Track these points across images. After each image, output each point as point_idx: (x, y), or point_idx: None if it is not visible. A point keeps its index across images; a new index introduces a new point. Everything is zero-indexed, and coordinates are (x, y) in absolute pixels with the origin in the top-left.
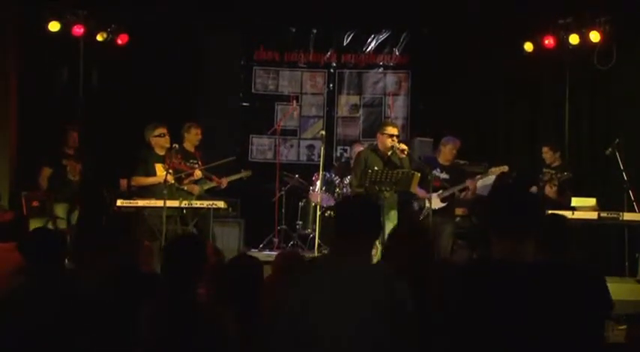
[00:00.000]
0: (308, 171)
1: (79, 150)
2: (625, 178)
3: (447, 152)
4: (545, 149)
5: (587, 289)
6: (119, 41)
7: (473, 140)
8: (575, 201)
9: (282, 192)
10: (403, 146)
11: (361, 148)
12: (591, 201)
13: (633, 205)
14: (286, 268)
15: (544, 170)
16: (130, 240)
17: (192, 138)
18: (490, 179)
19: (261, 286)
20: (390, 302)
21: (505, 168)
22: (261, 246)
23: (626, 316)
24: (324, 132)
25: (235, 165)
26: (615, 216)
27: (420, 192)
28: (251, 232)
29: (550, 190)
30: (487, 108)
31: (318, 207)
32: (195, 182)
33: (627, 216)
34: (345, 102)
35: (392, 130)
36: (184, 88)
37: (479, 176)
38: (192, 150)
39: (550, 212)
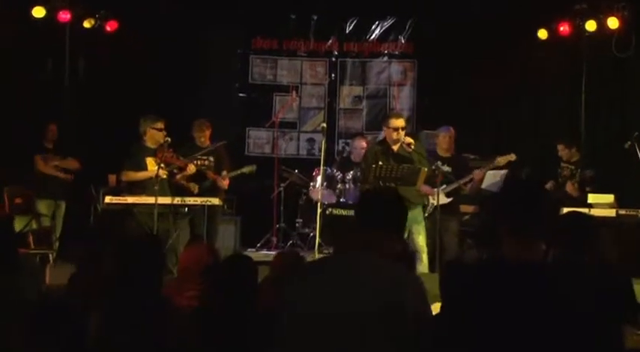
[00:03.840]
0: (308, 166)
1: (59, 144)
2: None
3: (442, 142)
4: (560, 147)
5: (609, 291)
6: (108, 28)
7: (483, 133)
8: (592, 198)
9: (281, 189)
10: (409, 139)
11: (364, 142)
12: (609, 198)
13: None
14: (285, 269)
15: (562, 164)
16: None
17: (198, 136)
18: (499, 174)
19: (255, 287)
20: (401, 307)
21: (512, 157)
22: (258, 245)
23: None
24: (325, 125)
25: (236, 160)
26: (635, 213)
27: (425, 189)
28: (248, 231)
29: (572, 187)
30: (498, 99)
31: (318, 204)
32: (199, 180)
33: None
34: (348, 93)
35: (396, 123)
36: (177, 78)
37: (485, 168)
38: (202, 146)
39: (570, 210)
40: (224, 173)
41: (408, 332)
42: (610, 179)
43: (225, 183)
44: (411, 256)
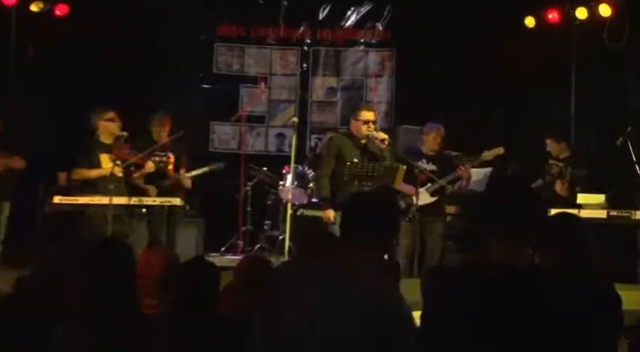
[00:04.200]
0: (277, 163)
1: (3, 139)
2: (638, 172)
3: (431, 141)
4: (548, 141)
5: (602, 302)
6: (57, 12)
7: (467, 128)
8: (581, 198)
9: (248, 188)
10: (383, 135)
11: None
12: (600, 198)
13: None
14: (251, 275)
15: (550, 161)
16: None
17: (157, 131)
18: (484, 172)
19: (216, 294)
20: (383, 317)
21: (500, 151)
22: (222, 249)
23: (633, 328)
24: (296, 119)
25: (199, 157)
26: (627, 214)
27: (406, 188)
28: (211, 234)
29: (561, 187)
30: (483, 91)
31: (289, 204)
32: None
33: (639, 215)
34: (321, 84)
35: (367, 115)
36: (134, 67)
37: (471, 163)
38: (159, 141)
39: (559, 211)
40: (181, 171)
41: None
42: (601, 177)
43: (188, 182)
44: (397, 266)
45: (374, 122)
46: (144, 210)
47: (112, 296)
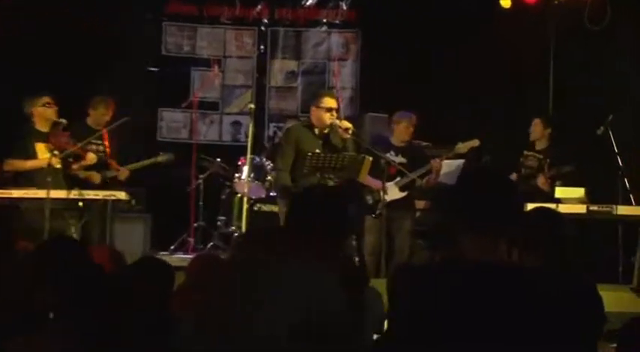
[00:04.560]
0: (233, 154)
1: None
2: (620, 163)
3: (401, 131)
4: (536, 121)
5: (582, 303)
6: None
7: (438, 117)
8: (559, 192)
9: (200, 181)
10: (346, 124)
11: None
12: (579, 192)
13: (629, 197)
14: (203, 275)
15: (525, 152)
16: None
17: (99, 116)
18: (456, 164)
19: (169, 296)
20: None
21: (475, 143)
22: (172, 247)
23: (618, 332)
24: (253, 106)
25: (146, 147)
26: (608, 209)
27: (372, 182)
28: (160, 231)
29: (544, 181)
30: (454, 77)
31: (245, 199)
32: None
33: (622, 210)
34: (280, 68)
35: (330, 102)
36: (74, 48)
37: (444, 156)
38: (98, 128)
39: (537, 205)
40: (113, 163)
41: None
42: (580, 170)
43: (124, 174)
44: (363, 274)
45: (337, 110)
46: (80, 203)
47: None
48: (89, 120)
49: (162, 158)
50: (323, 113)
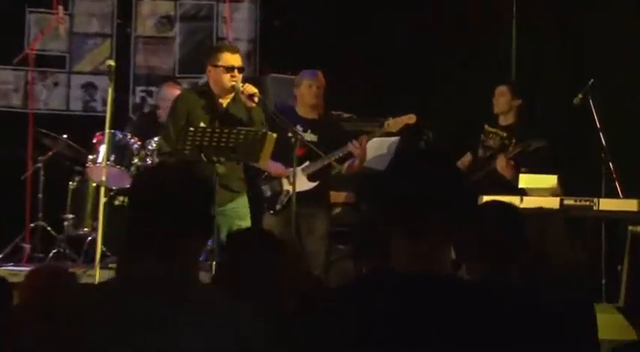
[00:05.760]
0: (85, 128)
1: None
2: (603, 143)
3: (304, 94)
4: (501, 89)
5: (555, 330)
6: None
7: (363, 82)
8: (525, 180)
9: (39, 165)
10: (252, 88)
11: (177, 90)
12: (551, 180)
13: (615, 187)
14: (40, 295)
15: (486, 128)
16: None
17: None
18: (387, 144)
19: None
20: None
21: (411, 119)
22: (0, 256)
23: None
24: (112, 63)
25: None
26: (587, 203)
27: (274, 168)
28: None
29: (505, 164)
30: (391, 32)
31: (102, 189)
32: None
33: (605, 204)
34: (150, 11)
35: (230, 59)
36: None
37: (371, 134)
38: None
39: (491, 199)
40: None
41: None
42: (552, 151)
43: None
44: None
45: (240, 69)
46: None
47: None
48: None
49: None
50: (222, 73)
